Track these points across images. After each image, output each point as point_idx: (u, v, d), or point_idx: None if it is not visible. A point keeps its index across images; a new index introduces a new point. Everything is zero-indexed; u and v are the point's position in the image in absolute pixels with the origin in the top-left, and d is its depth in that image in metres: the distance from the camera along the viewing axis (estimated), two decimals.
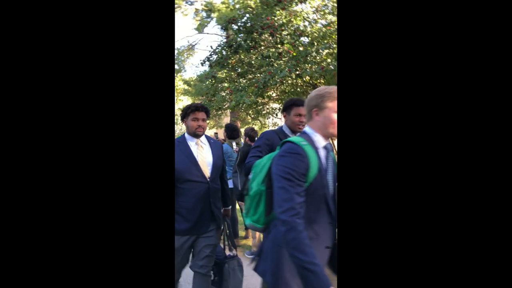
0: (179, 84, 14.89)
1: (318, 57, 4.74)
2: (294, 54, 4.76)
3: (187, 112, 1.85)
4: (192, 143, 1.85)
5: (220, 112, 6.67)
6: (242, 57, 5.92)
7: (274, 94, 6.62)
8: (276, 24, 4.91)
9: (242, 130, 5.05)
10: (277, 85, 4.73)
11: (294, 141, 1.07)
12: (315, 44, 4.77)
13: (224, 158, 2.06)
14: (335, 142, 5.21)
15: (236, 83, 6.12)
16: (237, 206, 3.69)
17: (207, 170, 1.83)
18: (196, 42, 17.54)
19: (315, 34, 5.02)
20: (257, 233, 3.08)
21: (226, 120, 10.22)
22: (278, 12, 5.14)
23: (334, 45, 4.59)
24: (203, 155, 1.85)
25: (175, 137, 1.96)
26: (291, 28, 5.04)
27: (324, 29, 4.89)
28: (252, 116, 8.37)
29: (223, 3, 10.00)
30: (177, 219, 1.74)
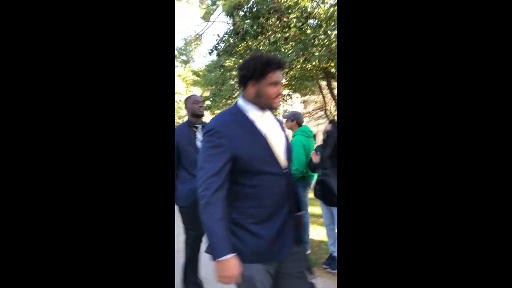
0: (188, 75, 14.91)
1: (326, 40, 4.63)
2: (302, 38, 4.66)
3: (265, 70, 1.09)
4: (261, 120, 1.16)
5: (230, 101, 6.67)
6: (250, 43, 5.85)
7: (283, 80, 6.56)
8: (283, 7, 4.80)
9: None
10: (286, 70, 4.67)
11: None
12: (323, 25, 4.65)
13: None
14: None
15: None
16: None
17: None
18: (203, 31, 17.40)
19: (322, 15, 4.90)
20: None
21: None
22: None
23: None
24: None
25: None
26: (299, 10, 4.92)
27: (332, 9, 4.76)
28: None
29: None
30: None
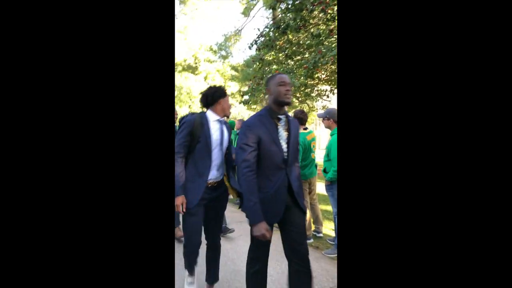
0: (226, 70, 15.11)
1: None
2: None
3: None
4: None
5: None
6: (290, 37, 5.72)
7: (323, 76, 6.34)
8: None
9: (290, 114, 4.93)
10: (329, 64, 4.47)
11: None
12: None
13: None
14: None
15: (284, 65, 5.96)
16: None
17: None
18: (242, 26, 17.50)
19: None
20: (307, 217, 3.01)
21: None
22: None
23: None
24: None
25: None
26: None
27: None
28: (300, 99, 8.11)
29: None
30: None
